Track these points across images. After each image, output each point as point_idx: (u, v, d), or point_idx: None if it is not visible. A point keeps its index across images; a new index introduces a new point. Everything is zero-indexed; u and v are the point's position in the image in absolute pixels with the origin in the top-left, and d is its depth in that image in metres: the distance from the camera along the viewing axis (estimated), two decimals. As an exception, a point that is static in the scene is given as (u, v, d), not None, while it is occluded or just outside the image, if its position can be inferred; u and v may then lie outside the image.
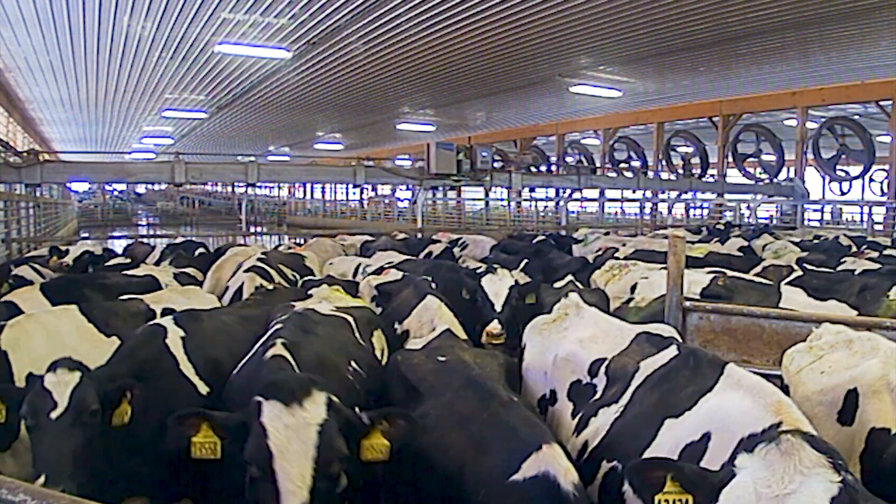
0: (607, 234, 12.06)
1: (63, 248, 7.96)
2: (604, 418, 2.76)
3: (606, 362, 3.04)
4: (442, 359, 3.26)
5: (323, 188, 41.59)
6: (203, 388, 3.36)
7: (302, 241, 10.80)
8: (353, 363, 3.46)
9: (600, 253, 8.77)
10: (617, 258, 7.55)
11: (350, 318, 4.02)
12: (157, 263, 7.78)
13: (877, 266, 6.97)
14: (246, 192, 16.27)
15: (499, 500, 2.18)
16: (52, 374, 2.78)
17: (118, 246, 11.84)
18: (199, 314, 3.98)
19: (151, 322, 3.80)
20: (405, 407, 2.94)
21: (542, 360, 3.42)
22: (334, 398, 2.44)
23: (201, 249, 8.91)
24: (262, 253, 7.11)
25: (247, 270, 6.12)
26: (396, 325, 4.71)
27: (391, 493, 2.92)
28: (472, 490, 2.29)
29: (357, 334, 3.93)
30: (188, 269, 6.86)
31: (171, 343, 3.45)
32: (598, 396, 2.94)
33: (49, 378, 2.76)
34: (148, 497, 3.12)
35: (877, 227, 18.02)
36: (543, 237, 10.68)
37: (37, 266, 6.77)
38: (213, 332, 3.79)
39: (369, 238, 10.77)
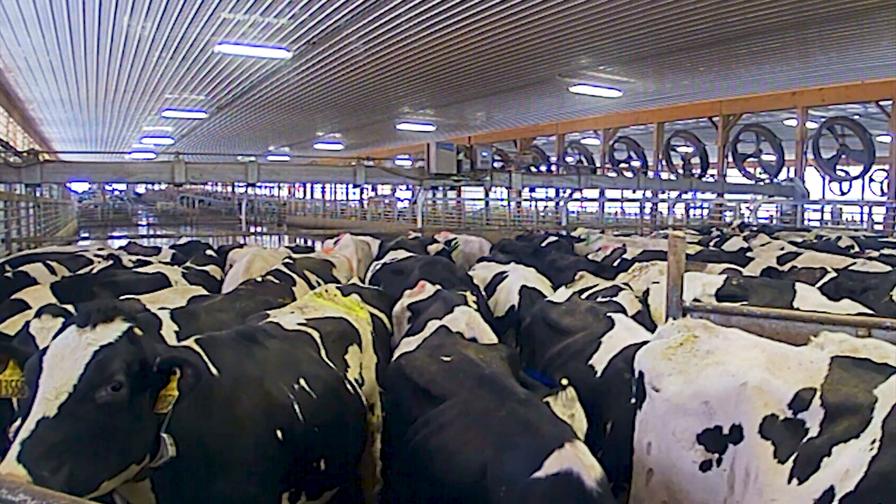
0: (602, 233, 12.03)
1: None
2: (850, 458, 2.21)
3: (818, 392, 2.51)
4: (447, 358, 3.23)
5: (323, 188, 41.53)
6: None
7: (312, 242, 10.54)
8: (301, 381, 3.16)
9: (606, 253, 8.72)
10: (626, 259, 7.52)
11: (315, 334, 3.67)
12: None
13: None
14: (246, 192, 16.30)
15: (521, 498, 2.17)
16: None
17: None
18: (197, 311, 3.95)
19: (149, 312, 3.79)
20: (419, 412, 2.89)
21: (696, 390, 2.86)
22: (139, 332, 2.28)
23: (210, 251, 8.54)
24: (289, 257, 6.73)
25: (266, 274, 5.93)
26: None
27: (407, 494, 2.89)
28: (493, 488, 2.27)
29: (322, 351, 3.59)
30: (208, 267, 6.83)
31: (165, 335, 3.45)
32: (815, 433, 2.44)
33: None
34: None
35: (877, 226, 18.03)
36: (557, 237, 10.60)
37: (51, 263, 6.72)
38: (206, 328, 3.75)
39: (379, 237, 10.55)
